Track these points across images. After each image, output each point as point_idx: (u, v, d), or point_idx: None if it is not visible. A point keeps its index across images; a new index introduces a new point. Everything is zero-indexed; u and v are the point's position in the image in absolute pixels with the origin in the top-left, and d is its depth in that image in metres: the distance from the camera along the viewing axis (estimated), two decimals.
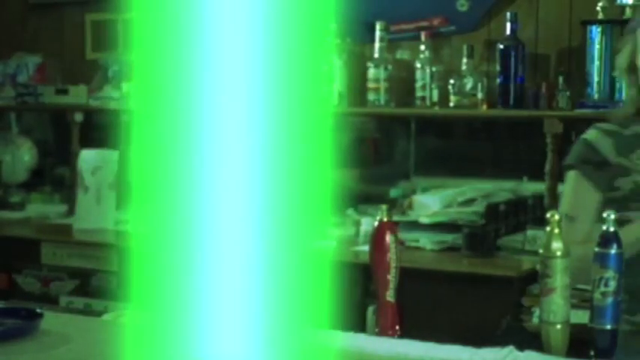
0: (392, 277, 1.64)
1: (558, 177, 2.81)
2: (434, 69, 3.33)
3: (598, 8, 3.02)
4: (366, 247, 1.86)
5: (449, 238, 3.15)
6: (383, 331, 1.64)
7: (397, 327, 1.65)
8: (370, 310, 1.69)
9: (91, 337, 1.53)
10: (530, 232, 3.01)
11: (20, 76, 4.11)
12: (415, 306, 2.40)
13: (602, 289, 1.53)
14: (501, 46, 3.19)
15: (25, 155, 4.14)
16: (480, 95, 3.25)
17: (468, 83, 3.25)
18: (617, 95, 2.96)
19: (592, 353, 1.56)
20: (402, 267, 1.66)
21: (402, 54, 3.55)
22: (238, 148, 0.72)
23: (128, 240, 3.36)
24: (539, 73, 3.30)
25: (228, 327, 0.74)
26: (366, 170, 3.64)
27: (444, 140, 3.64)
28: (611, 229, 1.54)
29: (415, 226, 3.23)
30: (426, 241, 3.16)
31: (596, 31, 3.01)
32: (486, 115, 3.29)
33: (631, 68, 1.98)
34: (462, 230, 3.08)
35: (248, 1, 0.72)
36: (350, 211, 3.47)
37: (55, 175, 4.20)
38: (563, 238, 1.70)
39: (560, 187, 2.53)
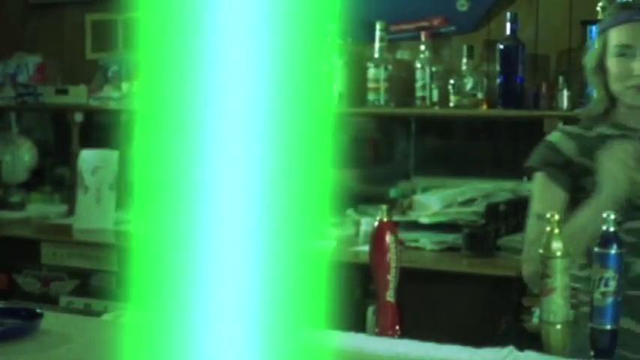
0: (392, 277, 1.65)
1: None
2: (434, 69, 3.33)
3: (598, 8, 3.02)
4: (366, 247, 1.86)
5: (449, 238, 3.15)
6: (383, 331, 1.64)
7: (397, 327, 1.65)
8: (370, 310, 1.69)
9: (91, 337, 1.53)
10: None
11: (20, 76, 4.11)
12: (415, 306, 2.40)
13: (602, 289, 1.53)
14: (501, 46, 3.19)
15: (25, 155, 4.14)
16: (479, 95, 3.25)
17: (468, 83, 3.25)
18: None
19: (592, 353, 1.56)
20: (402, 267, 1.66)
21: (402, 54, 3.55)
22: (238, 147, 0.72)
23: (128, 240, 3.36)
24: (539, 73, 3.30)
25: (227, 327, 0.74)
26: (366, 170, 3.64)
27: (444, 140, 3.64)
28: (611, 229, 1.54)
29: (415, 226, 3.23)
30: (426, 241, 3.16)
31: (596, 31, 3.01)
32: (486, 115, 3.29)
33: (599, 69, 1.99)
34: (462, 230, 3.08)
35: (249, 1, 0.72)
36: (350, 211, 3.47)
37: (55, 175, 4.20)
38: (537, 236, 1.78)
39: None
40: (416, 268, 2.84)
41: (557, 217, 1.55)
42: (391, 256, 1.64)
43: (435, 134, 3.65)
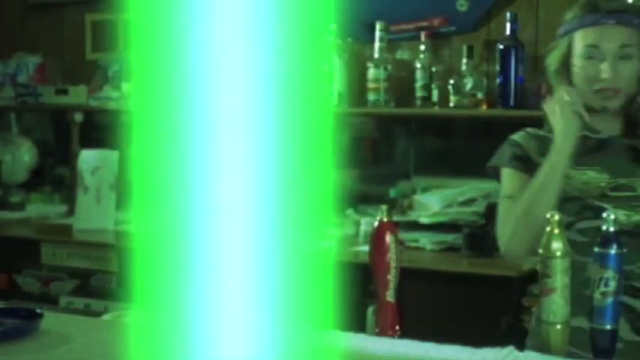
0: (392, 277, 1.65)
1: None
2: (434, 69, 3.33)
3: None
4: (366, 247, 1.86)
5: (449, 238, 3.15)
6: (383, 331, 1.64)
7: (397, 327, 1.65)
8: (370, 310, 1.69)
9: (91, 337, 1.53)
10: None
11: (20, 76, 4.11)
12: (415, 306, 2.40)
13: (602, 289, 1.53)
14: (501, 46, 3.19)
15: (25, 155, 4.14)
16: (479, 95, 3.25)
17: (468, 83, 3.25)
18: None
19: (592, 353, 1.56)
20: (402, 267, 1.66)
21: (402, 54, 3.55)
22: (238, 148, 0.72)
23: (128, 240, 3.36)
24: (539, 73, 3.30)
25: (229, 327, 0.74)
26: (366, 170, 3.63)
27: (444, 140, 3.64)
28: (611, 229, 1.54)
29: (415, 226, 3.23)
30: (426, 241, 3.16)
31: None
32: (486, 115, 3.29)
33: (563, 70, 1.99)
34: (462, 230, 3.08)
35: (248, 1, 0.72)
36: (350, 211, 3.47)
37: (55, 175, 4.20)
38: (507, 213, 1.92)
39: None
40: (416, 268, 2.84)
41: (557, 217, 1.55)
42: (391, 256, 1.64)
43: (435, 134, 3.65)
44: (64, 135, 4.08)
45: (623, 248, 1.54)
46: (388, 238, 1.64)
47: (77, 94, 3.95)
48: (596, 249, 1.54)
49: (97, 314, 1.91)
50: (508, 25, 3.19)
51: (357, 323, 1.71)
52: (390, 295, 1.65)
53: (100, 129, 4.02)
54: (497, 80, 3.21)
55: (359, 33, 3.46)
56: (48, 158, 4.26)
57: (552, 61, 2.03)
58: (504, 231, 1.97)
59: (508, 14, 3.20)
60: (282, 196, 0.73)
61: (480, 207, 3.13)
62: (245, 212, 0.72)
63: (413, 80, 3.35)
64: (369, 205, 3.41)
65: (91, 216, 3.63)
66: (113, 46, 4.05)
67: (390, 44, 3.45)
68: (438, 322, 2.81)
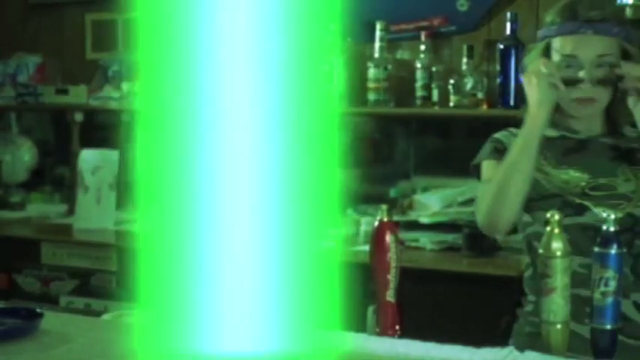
0: (392, 277, 1.64)
1: None
2: (434, 69, 3.33)
3: None
4: (366, 247, 1.86)
5: (449, 238, 3.15)
6: (383, 331, 1.64)
7: (397, 327, 1.65)
8: (370, 310, 1.69)
9: (91, 337, 1.53)
10: None
11: (20, 76, 4.11)
12: (415, 306, 2.40)
13: (602, 289, 1.53)
14: (501, 46, 3.19)
15: (25, 155, 4.14)
16: (480, 95, 3.25)
17: (468, 83, 3.25)
18: None
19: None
20: (402, 267, 1.66)
21: (402, 54, 3.55)
22: (240, 148, 0.72)
23: (129, 240, 3.36)
24: None
25: (231, 326, 0.74)
26: (366, 170, 3.63)
27: (444, 140, 3.64)
28: (611, 229, 1.54)
29: (415, 226, 3.23)
30: (426, 241, 3.16)
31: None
32: (486, 115, 3.29)
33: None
34: (462, 230, 3.08)
35: (249, 2, 0.72)
36: (350, 211, 3.46)
37: (55, 175, 4.20)
38: (484, 193, 1.94)
39: None
40: (416, 268, 2.84)
41: (557, 217, 1.55)
42: (391, 256, 1.64)
43: (435, 134, 3.65)
44: (64, 135, 4.08)
45: (623, 248, 1.54)
46: (388, 238, 1.64)
47: (77, 94, 3.95)
48: (596, 249, 1.54)
49: (97, 314, 1.91)
50: (508, 25, 3.19)
51: (357, 323, 1.71)
52: (390, 295, 1.65)
53: (100, 129, 4.02)
54: (498, 80, 3.21)
55: (359, 33, 3.46)
56: (48, 158, 4.26)
57: (530, 62, 2.05)
58: (482, 206, 1.98)
59: (508, 14, 3.20)
60: (285, 196, 0.73)
61: None
62: (248, 211, 0.72)
63: (413, 80, 3.35)
64: (369, 205, 3.40)
65: (91, 216, 3.63)
66: (113, 46, 4.05)
67: (390, 44, 3.45)
68: (438, 322, 2.81)
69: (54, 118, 4.29)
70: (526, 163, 1.91)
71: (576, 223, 1.88)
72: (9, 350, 1.42)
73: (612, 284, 1.52)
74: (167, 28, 0.72)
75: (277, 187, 0.73)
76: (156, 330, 0.75)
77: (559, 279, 1.53)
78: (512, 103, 3.17)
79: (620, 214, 1.80)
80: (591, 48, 1.93)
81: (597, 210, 1.86)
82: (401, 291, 1.66)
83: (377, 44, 3.39)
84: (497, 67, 3.21)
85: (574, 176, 1.95)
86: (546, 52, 2.01)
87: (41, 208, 4.02)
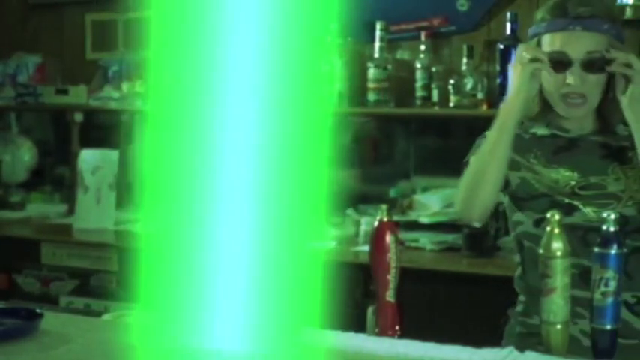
0: (392, 277, 1.64)
1: None
2: (434, 69, 3.33)
3: None
4: (366, 247, 1.86)
5: (449, 238, 3.15)
6: (383, 331, 1.64)
7: (397, 327, 1.65)
8: (370, 310, 1.69)
9: (91, 337, 1.53)
10: None
11: (20, 76, 4.11)
12: (415, 306, 2.40)
13: (602, 289, 1.53)
14: (501, 46, 3.19)
15: (25, 155, 4.14)
16: (479, 95, 3.25)
17: (468, 83, 3.25)
18: None
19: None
20: (402, 267, 1.66)
21: (402, 54, 3.55)
22: (240, 147, 0.72)
23: (129, 240, 3.36)
24: None
25: (228, 326, 0.74)
26: (366, 170, 3.63)
27: (444, 140, 3.64)
28: (611, 229, 1.54)
29: (415, 226, 3.23)
30: (426, 241, 3.16)
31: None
32: (486, 115, 3.28)
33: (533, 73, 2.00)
34: (462, 230, 3.08)
35: (250, 3, 0.72)
36: (350, 211, 3.46)
37: (55, 175, 4.20)
38: (461, 183, 1.97)
39: None
40: (416, 268, 2.84)
41: (557, 217, 1.55)
42: (391, 256, 1.64)
43: (435, 134, 3.65)
44: (64, 135, 4.08)
45: (624, 248, 1.54)
46: (388, 238, 1.64)
47: (77, 94, 3.95)
48: (596, 249, 1.54)
49: (97, 314, 1.91)
50: (508, 25, 3.19)
51: (357, 323, 1.71)
52: (390, 295, 1.65)
53: (100, 129, 4.02)
54: (497, 80, 3.21)
55: (359, 33, 3.46)
56: (48, 158, 4.26)
57: None
58: (459, 194, 2.00)
59: (508, 14, 3.21)
60: (282, 195, 0.73)
61: None
62: (245, 211, 0.72)
63: (413, 80, 3.35)
64: (369, 205, 3.41)
65: (91, 216, 3.63)
66: (113, 46, 4.05)
67: (390, 44, 3.45)
68: (438, 322, 2.81)
69: (54, 118, 4.29)
70: (501, 150, 1.93)
71: (565, 224, 1.89)
72: (9, 350, 1.42)
73: (612, 284, 1.52)
74: (170, 29, 0.72)
75: (274, 187, 0.73)
76: (155, 328, 0.75)
77: (559, 279, 1.53)
78: None
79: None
80: (580, 44, 1.93)
81: (586, 210, 1.87)
82: (401, 291, 1.66)
83: (377, 44, 3.39)
84: (497, 67, 3.21)
85: (564, 175, 1.95)
86: None
87: (41, 208, 4.02)
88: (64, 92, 3.97)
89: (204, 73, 0.71)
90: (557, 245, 1.53)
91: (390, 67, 3.39)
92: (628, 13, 3.01)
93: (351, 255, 3.08)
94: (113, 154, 3.65)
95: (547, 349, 1.55)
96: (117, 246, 3.41)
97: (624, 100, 1.89)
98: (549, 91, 1.97)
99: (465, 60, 3.29)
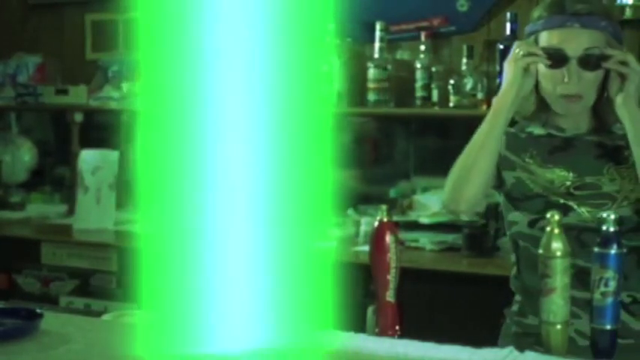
0: (392, 277, 1.64)
1: None
2: (434, 69, 3.33)
3: None
4: (366, 247, 1.86)
5: (449, 238, 3.15)
6: (383, 331, 1.64)
7: (397, 327, 1.65)
8: (370, 310, 1.69)
9: (91, 337, 1.53)
10: None
11: (20, 76, 4.11)
12: (415, 306, 2.40)
13: (602, 289, 1.53)
14: (501, 46, 3.19)
15: (25, 155, 4.14)
16: (479, 95, 3.25)
17: (468, 83, 3.25)
18: None
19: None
20: (402, 267, 1.66)
21: (402, 54, 3.55)
22: (239, 148, 0.72)
23: (129, 240, 3.36)
24: None
25: (230, 326, 0.74)
26: (366, 170, 3.64)
27: (443, 140, 3.64)
28: (611, 229, 1.54)
29: (415, 226, 3.24)
30: (426, 241, 3.16)
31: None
32: (486, 115, 3.28)
33: (527, 68, 2.00)
34: (462, 230, 3.08)
35: (249, 2, 0.72)
36: (350, 211, 3.47)
37: (55, 175, 4.20)
38: (449, 175, 1.96)
39: None
40: (416, 269, 2.84)
41: (557, 217, 1.55)
42: (391, 256, 1.64)
43: (435, 134, 3.65)
44: (64, 135, 4.08)
45: (623, 248, 1.54)
46: (388, 238, 1.64)
47: (77, 94, 3.95)
48: (596, 249, 1.54)
49: (97, 314, 1.91)
50: (508, 25, 3.19)
51: (357, 323, 1.71)
52: (390, 295, 1.65)
53: (100, 129, 4.02)
54: (497, 80, 3.20)
55: (359, 33, 3.46)
56: (48, 158, 4.26)
57: None
58: (447, 185, 2.01)
59: (508, 14, 3.21)
60: (283, 196, 0.73)
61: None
62: (246, 212, 0.72)
63: (413, 80, 3.35)
64: (369, 205, 3.41)
65: (91, 216, 3.63)
66: (113, 46, 4.05)
67: (390, 44, 3.45)
68: (438, 322, 2.81)
69: (54, 119, 4.29)
70: (492, 144, 1.95)
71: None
72: (9, 350, 1.42)
73: (612, 284, 1.52)
74: (167, 29, 0.72)
75: (274, 187, 0.73)
76: (155, 329, 0.75)
77: (559, 279, 1.53)
78: None
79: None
80: (578, 41, 1.92)
81: (581, 210, 1.87)
82: (401, 291, 1.66)
83: (377, 44, 3.39)
84: (497, 68, 3.20)
85: (559, 175, 1.95)
86: None
87: (41, 208, 4.02)
88: (64, 92, 3.97)
89: (204, 73, 0.71)
90: (557, 245, 1.53)
91: (389, 67, 3.40)
92: (628, 13, 3.01)
93: (351, 255, 3.08)
94: (113, 154, 3.65)
95: (547, 350, 1.55)
96: (117, 246, 3.41)
97: (618, 99, 1.89)
98: (546, 89, 1.96)
99: (464, 60, 3.29)
